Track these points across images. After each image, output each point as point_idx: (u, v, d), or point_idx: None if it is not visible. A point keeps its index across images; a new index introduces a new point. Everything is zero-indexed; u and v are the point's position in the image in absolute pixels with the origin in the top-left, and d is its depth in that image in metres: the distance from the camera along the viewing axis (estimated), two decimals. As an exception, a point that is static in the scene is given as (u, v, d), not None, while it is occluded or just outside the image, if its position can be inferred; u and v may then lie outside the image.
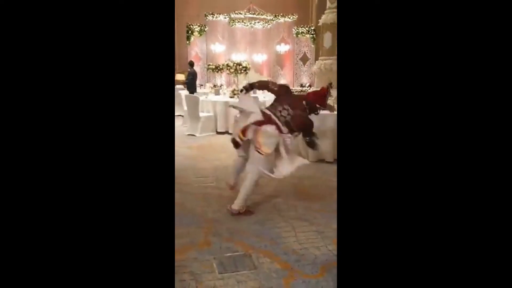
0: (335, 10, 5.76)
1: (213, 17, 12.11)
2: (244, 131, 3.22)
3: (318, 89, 3.44)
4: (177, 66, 11.87)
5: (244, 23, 11.80)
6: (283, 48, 12.25)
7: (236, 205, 3.27)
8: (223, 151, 5.87)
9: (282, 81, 11.34)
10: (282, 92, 3.44)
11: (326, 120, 5.07)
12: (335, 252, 2.65)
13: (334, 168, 4.88)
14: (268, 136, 3.18)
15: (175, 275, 2.37)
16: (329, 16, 5.78)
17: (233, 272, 2.40)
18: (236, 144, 3.33)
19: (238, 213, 3.27)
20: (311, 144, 3.41)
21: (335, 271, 2.40)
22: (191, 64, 9.59)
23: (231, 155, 5.58)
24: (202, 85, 11.32)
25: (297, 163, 3.28)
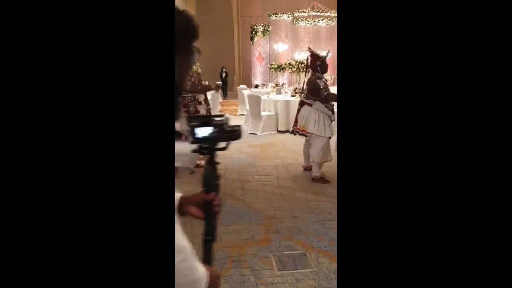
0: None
1: (276, 16, 12.18)
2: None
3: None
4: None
5: (308, 21, 11.71)
6: (347, 45, 11.95)
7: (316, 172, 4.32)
8: (284, 150, 5.89)
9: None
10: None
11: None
12: (399, 257, 2.55)
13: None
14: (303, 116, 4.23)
15: (235, 269, 2.45)
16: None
17: (292, 270, 2.41)
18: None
19: (319, 178, 4.28)
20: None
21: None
22: None
23: (291, 153, 5.60)
24: (264, 84, 11.43)
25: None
